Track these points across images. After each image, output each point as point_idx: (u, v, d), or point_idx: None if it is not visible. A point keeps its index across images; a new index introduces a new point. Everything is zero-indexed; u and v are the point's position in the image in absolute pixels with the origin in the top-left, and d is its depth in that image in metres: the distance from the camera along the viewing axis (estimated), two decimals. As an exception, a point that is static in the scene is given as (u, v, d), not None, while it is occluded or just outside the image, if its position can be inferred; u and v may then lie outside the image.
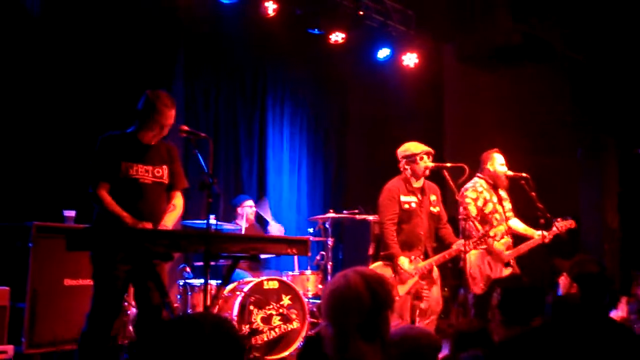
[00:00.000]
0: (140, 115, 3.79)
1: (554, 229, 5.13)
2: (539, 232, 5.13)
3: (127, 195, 3.71)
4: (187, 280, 5.39)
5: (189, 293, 5.34)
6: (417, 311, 4.95)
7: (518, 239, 5.34)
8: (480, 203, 5.24)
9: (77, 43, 5.87)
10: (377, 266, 4.90)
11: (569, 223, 5.18)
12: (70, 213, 5.15)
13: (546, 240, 5.12)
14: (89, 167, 3.77)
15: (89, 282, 4.91)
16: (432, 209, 5.01)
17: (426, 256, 4.93)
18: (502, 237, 5.22)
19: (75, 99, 5.86)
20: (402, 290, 4.79)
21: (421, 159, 4.94)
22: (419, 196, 4.97)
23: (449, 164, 4.95)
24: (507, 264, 5.15)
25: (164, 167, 3.87)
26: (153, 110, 3.74)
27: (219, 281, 5.59)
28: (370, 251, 5.15)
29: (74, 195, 5.55)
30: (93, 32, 5.97)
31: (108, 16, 6.06)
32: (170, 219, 3.86)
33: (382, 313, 2.30)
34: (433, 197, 5.05)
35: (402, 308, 4.81)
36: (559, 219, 5.16)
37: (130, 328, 5.00)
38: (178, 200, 3.96)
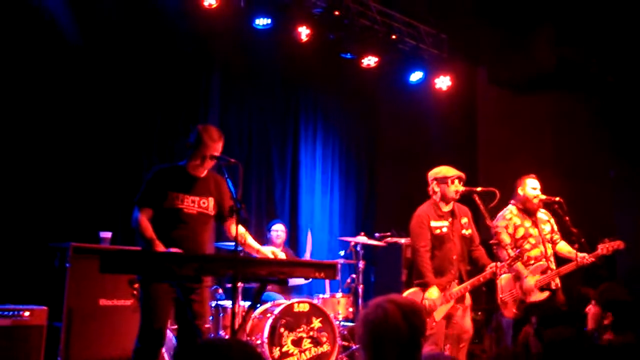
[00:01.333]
0: (190, 148, 3.95)
1: (600, 249, 5.05)
2: (580, 254, 5.05)
3: (171, 223, 3.85)
4: (219, 302, 5.46)
5: (221, 314, 5.41)
6: (450, 340, 4.91)
7: (564, 261, 5.24)
8: (510, 230, 5.22)
9: (115, 70, 6.06)
10: (411, 293, 4.86)
11: (617, 244, 5.08)
12: (107, 234, 5.29)
13: (589, 261, 5.03)
14: (137, 194, 3.91)
15: (123, 302, 5.08)
16: (463, 231, 4.97)
17: (460, 280, 4.87)
18: (537, 261, 5.16)
19: (114, 123, 6.04)
20: (438, 315, 4.75)
21: (452, 182, 4.92)
22: (450, 220, 4.94)
23: (479, 189, 4.90)
24: (542, 288, 5.07)
25: (210, 198, 4.00)
26: (199, 142, 3.90)
27: (250, 302, 5.67)
28: (403, 277, 5.10)
29: (110, 217, 5.72)
30: (131, 59, 6.16)
31: (146, 43, 6.26)
32: (254, 242, 4.06)
33: (418, 343, 2.30)
34: (464, 220, 5.01)
35: (438, 334, 4.76)
36: (606, 240, 5.07)
37: (163, 350, 5.08)
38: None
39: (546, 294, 5.07)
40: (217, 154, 3.93)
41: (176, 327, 4.05)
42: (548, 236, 5.29)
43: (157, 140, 6.39)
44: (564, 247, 5.31)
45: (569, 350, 2.44)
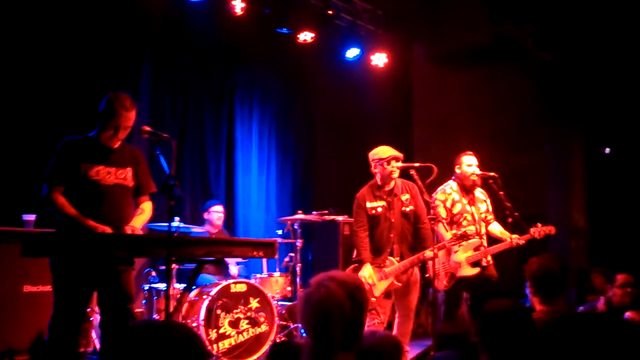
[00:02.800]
0: (100, 118, 3.73)
1: (532, 232, 5.12)
2: (513, 236, 5.14)
3: (87, 197, 3.63)
4: (152, 285, 5.28)
5: (155, 297, 5.24)
6: (397, 312, 4.99)
7: (496, 241, 5.34)
8: (448, 204, 5.28)
9: (40, 42, 5.72)
10: (352, 269, 4.93)
11: (549, 229, 5.16)
12: (30, 217, 5.02)
13: (521, 243, 5.12)
14: (47, 170, 3.67)
15: (49, 288, 4.81)
16: (403, 208, 4.98)
17: (401, 257, 4.91)
18: (471, 237, 5.23)
19: (38, 100, 5.72)
20: (376, 291, 4.80)
21: (388, 163, 4.94)
22: (388, 199, 4.96)
23: (416, 164, 4.95)
24: (475, 264, 5.15)
25: (128, 169, 3.82)
26: (110, 111, 3.69)
27: (185, 284, 5.52)
28: (354, 255, 5.11)
29: (33, 199, 5.41)
30: (57, 33, 5.82)
31: (74, 14, 5.92)
32: (139, 222, 3.81)
33: (362, 320, 2.27)
34: (405, 197, 5.02)
35: (379, 309, 4.83)
36: (538, 224, 5.16)
37: (93, 335, 4.88)
38: (146, 205, 3.93)
39: (477, 269, 5.16)
40: (129, 123, 3.73)
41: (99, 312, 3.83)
42: (482, 215, 5.37)
43: (84, 118, 6.07)
44: (495, 228, 5.39)
45: (506, 323, 2.44)
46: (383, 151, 4.98)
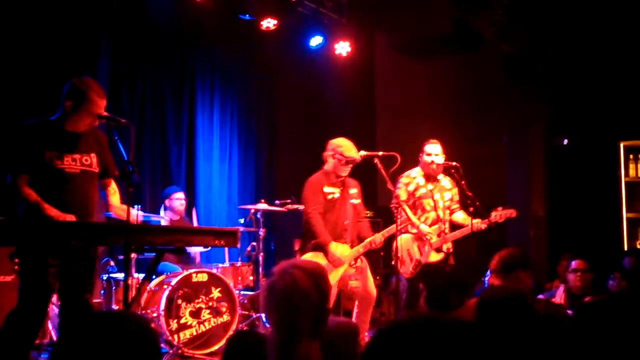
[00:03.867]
0: (68, 104, 3.60)
1: (493, 216, 5.17)
2: (474, 220, 5.19)
3: (53, 186, 3.55)
4: (111, 275, 5.17)
5: (114, 288, 5.13)
6: (356, 301, 5.01)
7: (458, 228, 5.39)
8: (411, 188, 5.36)
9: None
10: (307, 257, 4.86)
11: (509, 212, 5.22)
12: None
13: (482, 227, 5.17)
14: (8, 157, 3.55)
15: (3, 278, 4.68)
16: (352, 200, 5.08)
17: (352, 245, 4.98)
18: (433, 224, 5.29)
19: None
20: (332, 278, 4.78)
21: (345, 164, 4.98)
22: (340, 188, 5.05)
23: (380, 153, 4.99)
24: (438, 250, 5.23)
25: (93, 155, 3.74)
26: (85, 100, 3.58)
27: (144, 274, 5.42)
28: (296, 247, 5.12)
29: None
30: (12, 13, 5.61)
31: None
32: (116, 200, 3.89)
33: (327, 307, 2.26)
34: (352, 191, 5.12)
35: (332, 296, 4.83)
36: (499, 208, 5.21)
37: (49, 326, 4.76)
38: (114, 185, 3.95)
39: (441, 255, 5.24)
40: (102, 111, 3.63)
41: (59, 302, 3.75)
42: (447, 203, 5.41)
43: (41, 102, 5.88)
44: (459, 216, 5.45)
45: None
46: (348, 149, 4.99)
